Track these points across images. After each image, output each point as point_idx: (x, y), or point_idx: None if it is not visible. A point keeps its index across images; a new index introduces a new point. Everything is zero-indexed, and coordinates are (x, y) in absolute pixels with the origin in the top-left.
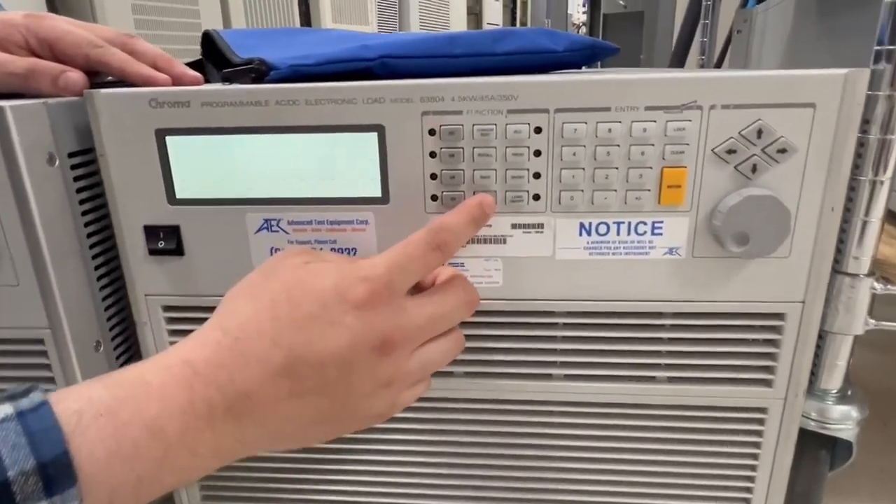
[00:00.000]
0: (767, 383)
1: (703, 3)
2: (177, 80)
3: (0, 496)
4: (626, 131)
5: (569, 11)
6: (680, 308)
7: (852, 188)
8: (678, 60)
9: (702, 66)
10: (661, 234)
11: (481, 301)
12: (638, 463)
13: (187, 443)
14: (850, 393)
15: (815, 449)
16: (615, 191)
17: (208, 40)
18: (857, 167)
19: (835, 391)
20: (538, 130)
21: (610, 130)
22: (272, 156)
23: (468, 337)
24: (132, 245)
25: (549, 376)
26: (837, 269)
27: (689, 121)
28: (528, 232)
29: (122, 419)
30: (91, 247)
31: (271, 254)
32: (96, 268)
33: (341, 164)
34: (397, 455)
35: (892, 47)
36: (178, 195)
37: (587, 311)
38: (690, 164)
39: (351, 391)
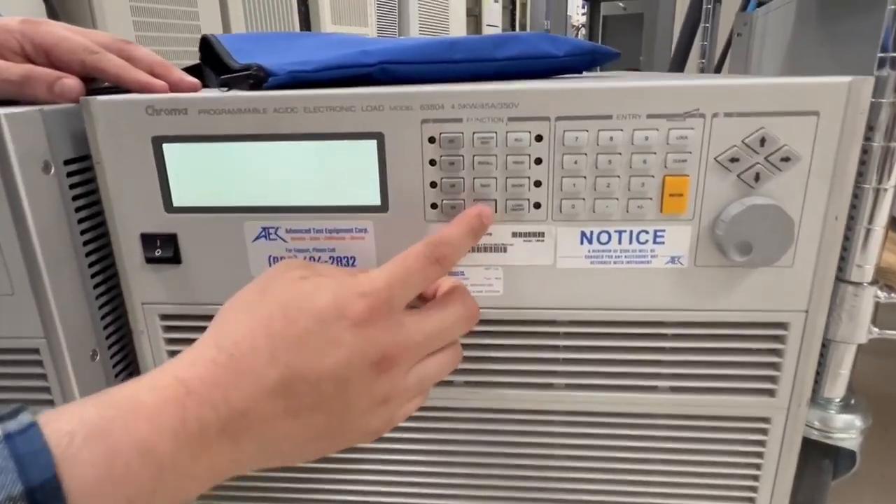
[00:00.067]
0: (770, 393)
1: (704, 6)
2: (174, 87)
3: None
4: (627, 139)
5: (568, 13)
6: (682, 317)
7: (855, 196)
8: (678, 64)
9: (702, 70)
10: (662, 242)
11: (482, 310)
12: (640, 473)
13: (180, 463)
14: (853, 402)
15: (818, 458)
16: (617, 199)
17: (207, 45)
18: (860, 174)
19: (838, 400)
20: (539, 138)
21: (611, 138)
22: (270, 164)
23: (469, 346)
24: (129, 253)
25: (550, 385)
26: (840, 277)
27: (692, 129)
28: (528, 240)
29: (114, 440)
30: (87, 255)
31: (269, 262)
32: (92, 276)
33: (340, 172)
34: (397, 464)
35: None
36: (176, 203)
37: (588, 321)
38: (693, 173)
39: (348, 408)
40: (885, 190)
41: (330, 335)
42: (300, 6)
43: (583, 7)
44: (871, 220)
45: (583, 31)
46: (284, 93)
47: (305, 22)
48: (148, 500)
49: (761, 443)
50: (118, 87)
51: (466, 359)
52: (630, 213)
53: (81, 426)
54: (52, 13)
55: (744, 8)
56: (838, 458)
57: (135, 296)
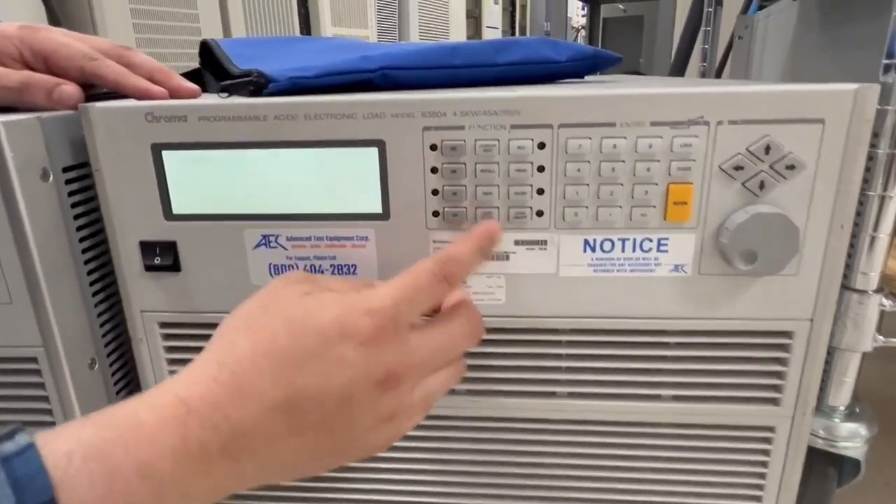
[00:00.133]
0: (775, 402)
1: (705, 9)
2: (174, 93)
3: None
4: (631, 147)
5: (568, 15)
6: (686, 326)
7: (860, 203)
8: (679, 68)
9: (703, 73)
10: (666, 251)
11: (484, 318)
12: (644, 482)
13: (180, 483)
14: (857, 410)
15: (823, 466)
16: (620, 207)
17: (207, 50)
18: (865, 181)
19: (842, 408)
20: (542, 146)
21: (615, 146)
22: (270, 171)
23: (471, 355)
24: (128, 261)
25: (552, 394)
26: (846, 285)
27: (696, 136)
28: (531, 248)
29: (114, 461)
30: (86, 263)
31: (269, 270)
32: (91, 284)
33: (341, 180)
34: (399, 473)
35: None
36: (175, 210)
37: (591, 329)
38: (697, 181)
39: (352, 426)
40: (891, 197)
41: (335, 354)
42: (300, 9)
43: (583, 9)
44: (876, 228)
45: (582, 32)
46: (285, 100)
47: (305, 24)
48: None
49: (766, 452)
50: (117, 94)
51: (469, 367)
52: (633, 221)
53: (80, 447)
54: (53, 16)
55: (745, 11)
56: (843, 465)
57: (134, 304)
